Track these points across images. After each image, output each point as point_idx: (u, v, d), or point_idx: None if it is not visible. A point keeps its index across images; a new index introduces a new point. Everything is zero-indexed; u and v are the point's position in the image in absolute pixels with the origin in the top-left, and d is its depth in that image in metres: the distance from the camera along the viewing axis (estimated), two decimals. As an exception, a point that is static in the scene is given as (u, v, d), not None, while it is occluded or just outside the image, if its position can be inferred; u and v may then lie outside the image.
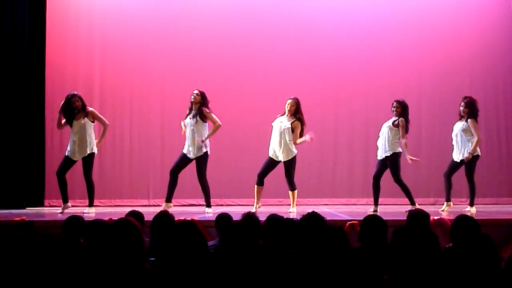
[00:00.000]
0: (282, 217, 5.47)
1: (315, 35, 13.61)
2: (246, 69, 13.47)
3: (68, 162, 10.63)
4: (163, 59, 13.47)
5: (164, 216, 6.08)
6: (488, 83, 13.55)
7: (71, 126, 10.52)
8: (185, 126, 10.71)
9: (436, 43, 13.59)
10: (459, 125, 10.69)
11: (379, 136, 10.81)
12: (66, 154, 10.61)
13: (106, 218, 7.01)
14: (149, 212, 7.78)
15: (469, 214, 9.87)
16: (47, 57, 13.14)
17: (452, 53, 13.55)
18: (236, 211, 7.77)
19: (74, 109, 10.46)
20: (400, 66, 13.55)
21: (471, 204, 10.53)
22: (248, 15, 13.67)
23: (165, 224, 5.85)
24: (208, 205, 10.64)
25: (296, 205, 10.73)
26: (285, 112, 10.61)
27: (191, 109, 10.70)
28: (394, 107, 10.62)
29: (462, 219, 5.20)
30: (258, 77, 13.40)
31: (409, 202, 10.44)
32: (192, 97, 10.57)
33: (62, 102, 10.55)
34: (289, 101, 10.59)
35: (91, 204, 10.49)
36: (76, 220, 5.95)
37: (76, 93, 10.70)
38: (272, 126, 10.66)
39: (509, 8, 13.57)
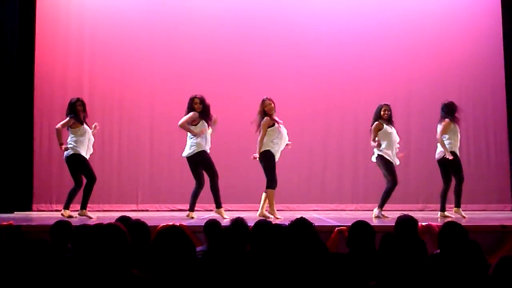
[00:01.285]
0: (270, 222, 5.46)
1: (305, 43, 13.66)
2: (236, 74, 13.50)
3: None
4: (152, 62, 13.49)
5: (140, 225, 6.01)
6: (477, 91, 13.60)
7: (81, 127, 10.42)
8: None
9: (425, 51, 13.67)
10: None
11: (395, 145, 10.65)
12: (87, 157, 10.49)
13: (94, 223, 6.98)
14: (138, 217, 7.76)
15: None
16: (36, 61, 13.15)
17: (441, 61, 13.62)
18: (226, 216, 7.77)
19: (77, 112, 10.41)
20: (389, 74, 13.61)
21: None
22: (239, 21, 13.71)
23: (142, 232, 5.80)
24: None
25: (286, 210, 10.74)
26: (270, 114, 10.38)
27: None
28: (389, 111, 10.57)
29: (450, 226, 5.20)
30: (248, 83, 13.42)
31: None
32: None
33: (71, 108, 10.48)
34: (270, 102, 10.34)
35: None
36: (63, 225, 5.93)
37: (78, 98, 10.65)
38: (280, 131, 10.25)
39: (498, 16, 13.63)
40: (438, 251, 5.17)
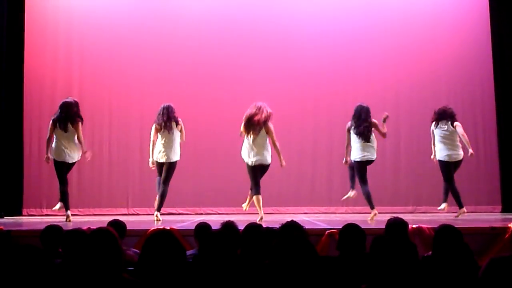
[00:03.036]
0: (261, 225, 5.46)
1: (293, 45, 13.67)
2: (224, 78, 13.50)
3: None
4: (142, 66, 13.49)
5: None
6: (466, 92, 13.64)
7: None
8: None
9: (414, 51, 13.70)
10: None
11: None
12: None
13: (85, 227, 6.97)
14: (128, 220, 7.76)
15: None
16: (25, 64, 13.13)
17: (429, 61, 13.65)
18: (216, 220, 7.77)
19: None
20: (378, 74, 13.63)
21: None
22: (227, 25, 13.72)
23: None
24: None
25: (275, 213, 10.78)
26: None
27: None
28: None
29: (446, 229, 5.20)
30: (236, 85, 13.43)
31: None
32: None
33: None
34: None
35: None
36: (54, 229, 5.90)
37: None
38: None
39: (485, 15, 13.67)
40: (430, 253, 5.18)
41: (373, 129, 10.50)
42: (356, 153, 10.47)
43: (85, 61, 13.54)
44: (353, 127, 10.51)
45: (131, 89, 13.48)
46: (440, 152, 10.86)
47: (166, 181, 10.58)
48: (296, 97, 13.53)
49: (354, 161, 10.54)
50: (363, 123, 10.43)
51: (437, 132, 10.90)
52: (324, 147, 13.59)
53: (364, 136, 10.40)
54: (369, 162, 10.54)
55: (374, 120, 10.56)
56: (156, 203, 10.60)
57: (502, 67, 13.49)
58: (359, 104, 10.68)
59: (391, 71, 13.68)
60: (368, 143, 10.44)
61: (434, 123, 10.96)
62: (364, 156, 10.45)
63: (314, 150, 13.57)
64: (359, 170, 10.51)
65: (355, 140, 10.48)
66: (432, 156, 11.04)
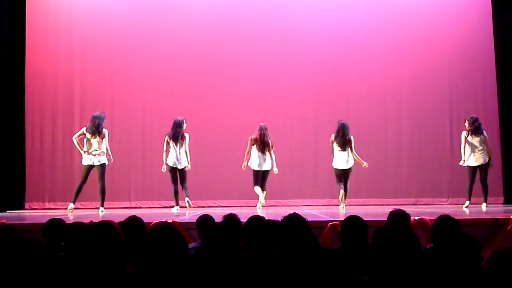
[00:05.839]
0: (263, 218, 5.45)
1: (295, 40, 13.68)
2: (228, 74, 13.50)
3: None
4: (143, 60, 13.47)
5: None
6: (468, 85, 13.63)
7: None
8: None
9: (415, 46, 13.69)
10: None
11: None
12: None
13: (87, 221, 6.97)
14: (130, 214, 7.75)
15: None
16: (26, 59, 13.10)
17: (431, 56, 13.65)
18: (218, 213, 7.77)
19: None
20: (380, 69, 13.65)
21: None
22: (230, 20, 13.72)
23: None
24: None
25: (278, 206, 10.81)
26: None
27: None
28: None
29: (444, 220, 5.21)
30: (239, 82, 13.44)
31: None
32: None
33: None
34: None
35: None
36: (57, 223, 5.90)
37: None
38: None
39: (488, 10, 13.64)
40: (431, 245, 5.18)
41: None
42: (339, 162, 11.67)
43: (87, 55, 13.52)
44: (336, 140, 11.66)
45: (133, 83, 13.46)
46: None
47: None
48: (298, 91, 13.52)
49: (342, 168, 11.65)
50: (344, 137, 11.59)
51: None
52: (326, 140, 13.55)
53: (345, 148, 11.58)
54: (349, 169, 11.69)
55: (351, 136, 11.56)
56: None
57: (505, 60, 13.49)
58: (341, 121, 11.67)
59: (393, 64, 13.67)
60: (346, 152, 11.56)
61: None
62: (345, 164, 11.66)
63: (316, 143, 13.56)
64: (340, 175, 11.73)
65: (337, 151, 11.67)
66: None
